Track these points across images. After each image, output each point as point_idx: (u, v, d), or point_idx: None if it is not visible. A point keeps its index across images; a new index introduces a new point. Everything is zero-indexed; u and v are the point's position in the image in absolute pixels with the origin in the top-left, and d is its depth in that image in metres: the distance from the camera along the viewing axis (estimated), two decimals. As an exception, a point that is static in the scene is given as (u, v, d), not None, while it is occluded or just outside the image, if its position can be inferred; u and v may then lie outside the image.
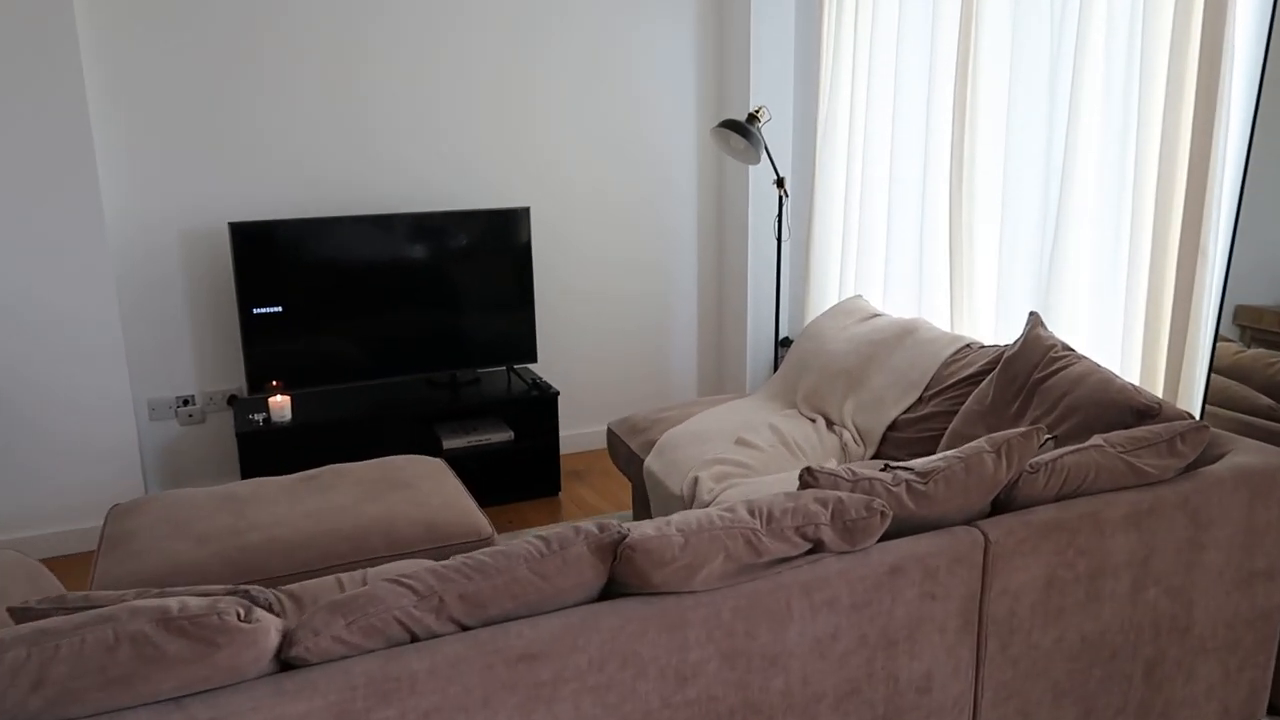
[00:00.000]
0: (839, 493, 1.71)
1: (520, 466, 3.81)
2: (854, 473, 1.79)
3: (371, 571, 2.15)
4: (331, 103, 3.56)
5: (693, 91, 4.10)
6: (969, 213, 3.06)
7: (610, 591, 1.56)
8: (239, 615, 1.28)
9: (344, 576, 2.14)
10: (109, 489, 3.33)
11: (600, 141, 4.00)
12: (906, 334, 3.04)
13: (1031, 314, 2.55)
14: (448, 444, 3.62)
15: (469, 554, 1.48)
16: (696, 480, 2.74)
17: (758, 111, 3.32)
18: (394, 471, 2.70)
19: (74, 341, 3.21)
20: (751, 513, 1.63)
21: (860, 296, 3.43)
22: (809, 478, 1.77)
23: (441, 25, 3.66)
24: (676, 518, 1.59)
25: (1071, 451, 1.94)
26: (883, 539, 1.74)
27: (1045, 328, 2.52)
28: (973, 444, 1.88)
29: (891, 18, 3.32)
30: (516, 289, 3.74)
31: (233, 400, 3.63)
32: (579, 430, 4.27)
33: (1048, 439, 2.04)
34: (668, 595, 1.53)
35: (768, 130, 3.95)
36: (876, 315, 3.29)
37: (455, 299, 3.66)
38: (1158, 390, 2.52)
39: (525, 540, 1.51)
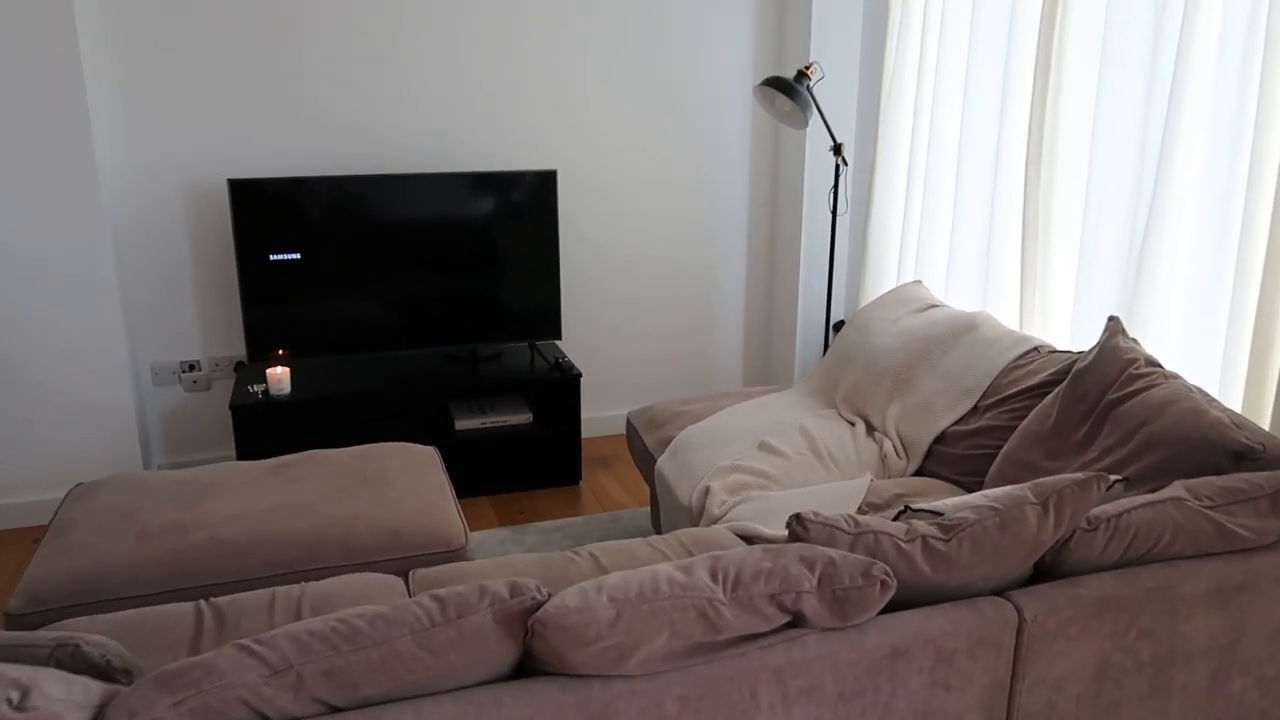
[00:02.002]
0: (833, 550, 1.37)
1: (539, 452, 3.53)
2: (856, 523, 1.44)
3: (312, 587, 1.90)
4: (349, 50, 3.28)
5: (748, 43, 3.70)
6: (1047, 195, 2.62)
7: (529, 667, 1.26)
8: (9, 703, 1.01)
9: (280, 591, 1.89)
10: (103, 455, 3.17)
11: (642, 97, 3.64)
12: (965, 331, 2.64)
13: (1111, 319, 2.13)
14: (460, 424, 3.37)
15: (344, 616, 1.19)
16: (708, 491, 2.42)
17: (808, 68, 2.92)
18: (374, 462, 2.44)
19: (68, 298, 3.03)
20: (714, 575, 1.30)
21: (919, 283, 3.03)
22: (798, 527, 1.43)
23: (469, -33, 3.34)
24: (612, 580, 1.27)
25: (1143, 505, 1.55)
26: (886, 609, 1.40)
27: (1127, 336, 2.10)
28: (1014, 490, 1.51)
29: (971, -38, 2.87)
30: (541, 259, 3.44)
31: (240, 367, 3.43)
32: (608, 413, 3.97)
33: (1115, 482, 1.65)
34: (594, 679, 1.22)
35: (827, 89, 3.53)
36: (934, 306, 2.89)
37: (474, 267, 3.38)
38: (1264, 423, 2.09)
39: (417, 602, 1.21)
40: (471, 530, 3.16)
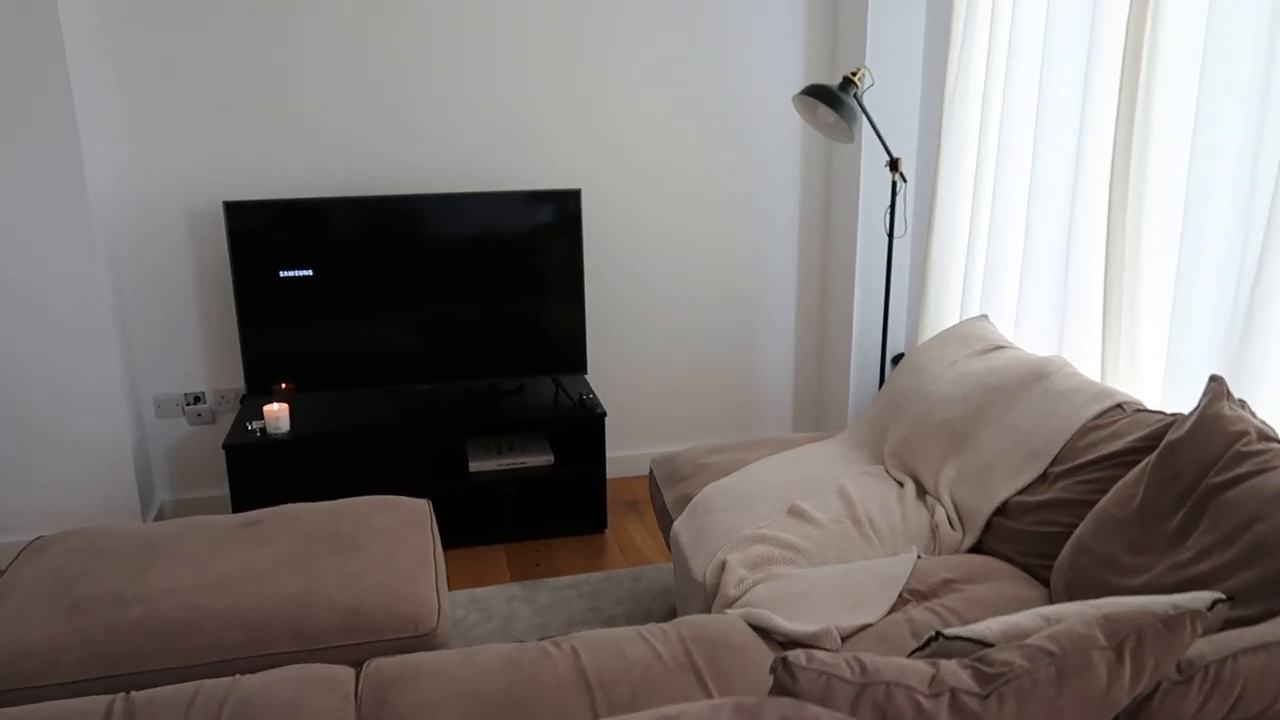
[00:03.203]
0: (824, 713, 1.03)
1: (560, 496, 3.25)
2: (862, 668, 1.10)
3: (244, 684, 1.64)
4: (362, 66, 3.05)
5: (798, 47, 3.35)
6: (1135, 221, 2.22)
7: None
8: None
9: (207, 687, 1.64)
10: (99, 493, 2.99)
11: (678, 108, 3.33)
12: (1035, 380, 2.25)
13: (1213, 379, 1.74)
14: (475, 466, 3.10)
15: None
16: (724, 566, 2.09)
17: (855, 74, 2.57)
18: (349, 522, 2.18)
19: (63, 330, 2.87)
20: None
21: (986, 318, 2.65)
22: (784, 675, 1.10)
23: (491, -29, 3.09)
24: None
25: (1256, 647, 1.18)
26: (899, 791, 1.06)
27: (1233, 401, 1.71)
28: (1077, 625, 1.16)
29: (1048, -49, 2.49)
30: (565, 285, 3.15)
31: (246, 400, 3.23)
32: (640, 451, 3.66)
33: (1216, 603, 1.28)
34: None
35: (885, 98, 3.17)
36: (1000, 348, 2.50)
37: (492, 294, 3.11)
38: None
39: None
40: (481, 586, 2.89)
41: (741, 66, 3.33)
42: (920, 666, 1.14)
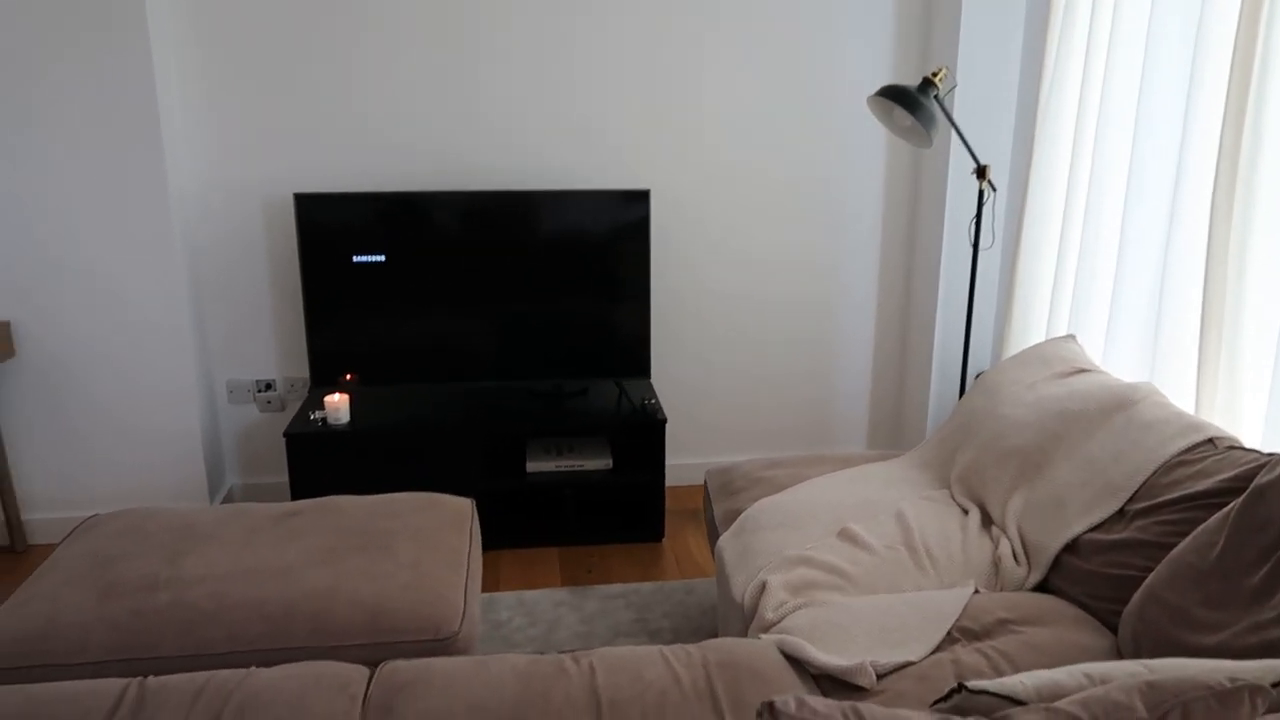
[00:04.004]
0: (810, 771, 0.93)
1: (618, 502, 3.18)
2: (859, 718, 0.99)
3: (253, 679, 1.62)
4: (432, 61, 3.05)
5: (887, 45, 3.20)
6: (1240, 243, 2.02)
7: None
8: None
9: (217, 679, 1.63)
10: (169, 474, 3.07)
11: (754, 108, 3.22)
12: (1119, 408, 2.07)
13: (1314, 417, 1.55)
14: (533, 467, 3.05)
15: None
16: (764, 587, 1.98)
17: (936, 75, 2.41)
18: (386, 519, 2.16)
19: (139, 315, 2.95)
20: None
21: (1073, 339, 2.46)
22: (771, 723, 1.00)
23: (570, -34, 3.04)
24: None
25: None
26: None
27: (1336, 444, 1.51)
28: (1117, 694, 1.02)
29: (1156, -57, 2.29)
30: (630, 288, 3.08)
31: (313, 390, 3.27)
32: (704, 460, 3.56)
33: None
34: None
35: (975, 103, 2.99)
36: (1085, 371, 2.32)
37: (557, 294, 3.07)
38: None
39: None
40: (530, 588, 2.84)
41: (824, 65, 3.20)
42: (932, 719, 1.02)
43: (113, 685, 1.62)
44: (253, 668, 1.69)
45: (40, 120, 2.77)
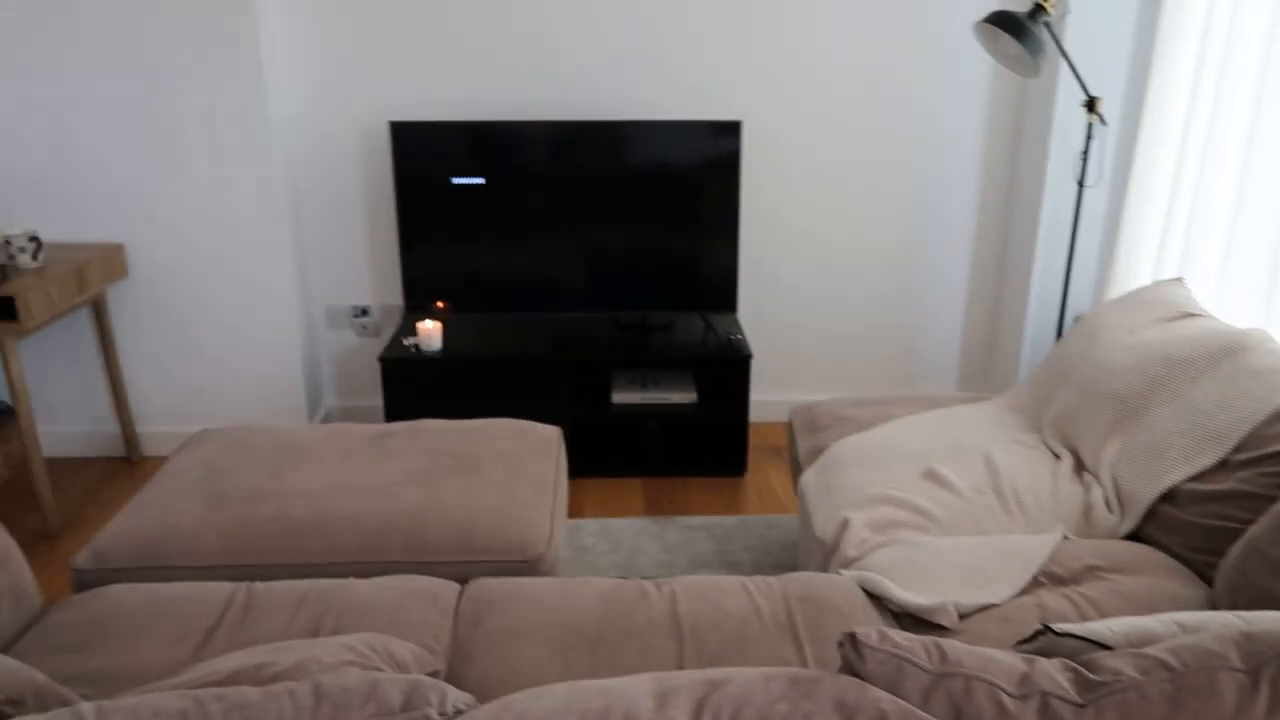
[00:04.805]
0: (890, 702, 0.94)
1: (702, 436, 3.20)
2: (941, 655, 1.00)
3: (353, 589, 1.70)
4: (528, -15, 3.03)
5: (996, -24, 3.05)
6: (1374, 176, 1.89)
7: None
8: None
9: (319, 587, 1.72)
10: (271, 393, 3.21)
11: (849, 34, 3.12)
12: (1226, 355, 1.98)
13: None
14: (618, 398, 3.09)
15: (210, 697, 0.93)
16: (846, 523, 1.98)
17: (1048, 1, 2.29)
18: (478, 443, 2.22)
19: (245, 238, 3.05)
20: (697, 718, 0.92)
21: (1180, 281, 2.35)
22: (850, 652, 1.01)
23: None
24: (545, 706, 0.93)
25: None
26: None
27: None
28: (1211, 642, 1.00)
29: None
30: (719, 222, 3.06)
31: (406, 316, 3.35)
32: (789, 397, 3.54)
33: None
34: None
35: (1089, 28, 2.84)
36: (1192, 315, 2.22)
37: (645, 226, 3.06)
38: None
39: (292, 692, 0.93)
40: (613, 516, 2.90)
41: (929, -7, 3.07)
42: (1012, 662, 1.02)
43: (223, 589, 1.73)
44: (350, 579, 1.77)
45: (147, 51, 2.86)
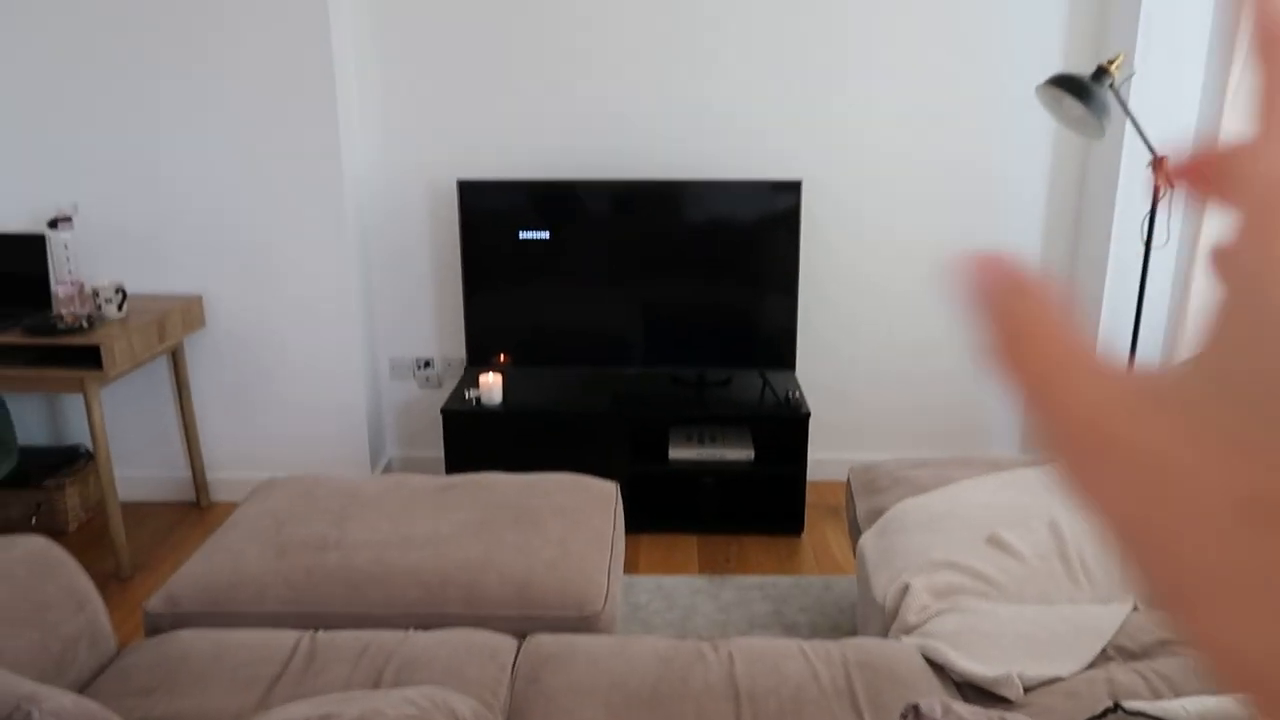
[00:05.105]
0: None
1: (759, 494, 3.19)
2: (1009, 735, 0.98)
3: (413, 642, 1.72)
4: (588, 53, 3.12)
5: (1058, 29, 3.07)
6: None
7: None
8: None
9: (381, 639, 1.74)
10: (335, 443, 3.28)
11: (911, 96, 3.14)
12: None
13: None
14: (675, 454, 3.10)
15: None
16: (907, 588, 1.96)
17: (1112, 63, 2.29)
18: (537, 497, 2.24)
19: (315, 289, 3.15)
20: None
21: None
22: (914, 727, 1.00)
23: (730, -44, 3.04)
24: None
25: None
26: None
27: None
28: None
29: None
30: (778, 280, 3.08)
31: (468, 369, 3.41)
32: (849, 456, 3.51)
33: None
34: None
35: (1152, 92, 2.82)
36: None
37: (705, 284, 3.09)
38: None
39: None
40: (668, 573, 2.89)
41: (990, 53, 3.09)
42: (1081, 742, 0.99)
43: (287, 637, 1.76)
44: (410, 630, 1.79)
45: (228, 105, 2.99)
